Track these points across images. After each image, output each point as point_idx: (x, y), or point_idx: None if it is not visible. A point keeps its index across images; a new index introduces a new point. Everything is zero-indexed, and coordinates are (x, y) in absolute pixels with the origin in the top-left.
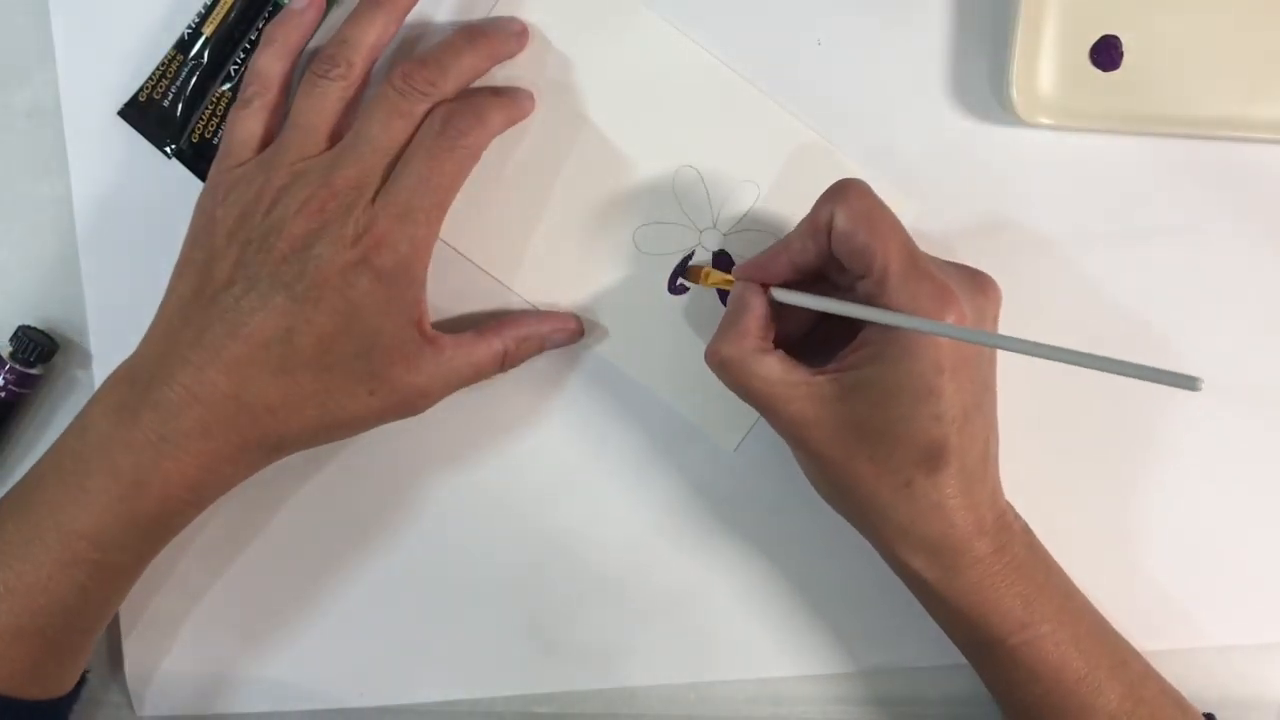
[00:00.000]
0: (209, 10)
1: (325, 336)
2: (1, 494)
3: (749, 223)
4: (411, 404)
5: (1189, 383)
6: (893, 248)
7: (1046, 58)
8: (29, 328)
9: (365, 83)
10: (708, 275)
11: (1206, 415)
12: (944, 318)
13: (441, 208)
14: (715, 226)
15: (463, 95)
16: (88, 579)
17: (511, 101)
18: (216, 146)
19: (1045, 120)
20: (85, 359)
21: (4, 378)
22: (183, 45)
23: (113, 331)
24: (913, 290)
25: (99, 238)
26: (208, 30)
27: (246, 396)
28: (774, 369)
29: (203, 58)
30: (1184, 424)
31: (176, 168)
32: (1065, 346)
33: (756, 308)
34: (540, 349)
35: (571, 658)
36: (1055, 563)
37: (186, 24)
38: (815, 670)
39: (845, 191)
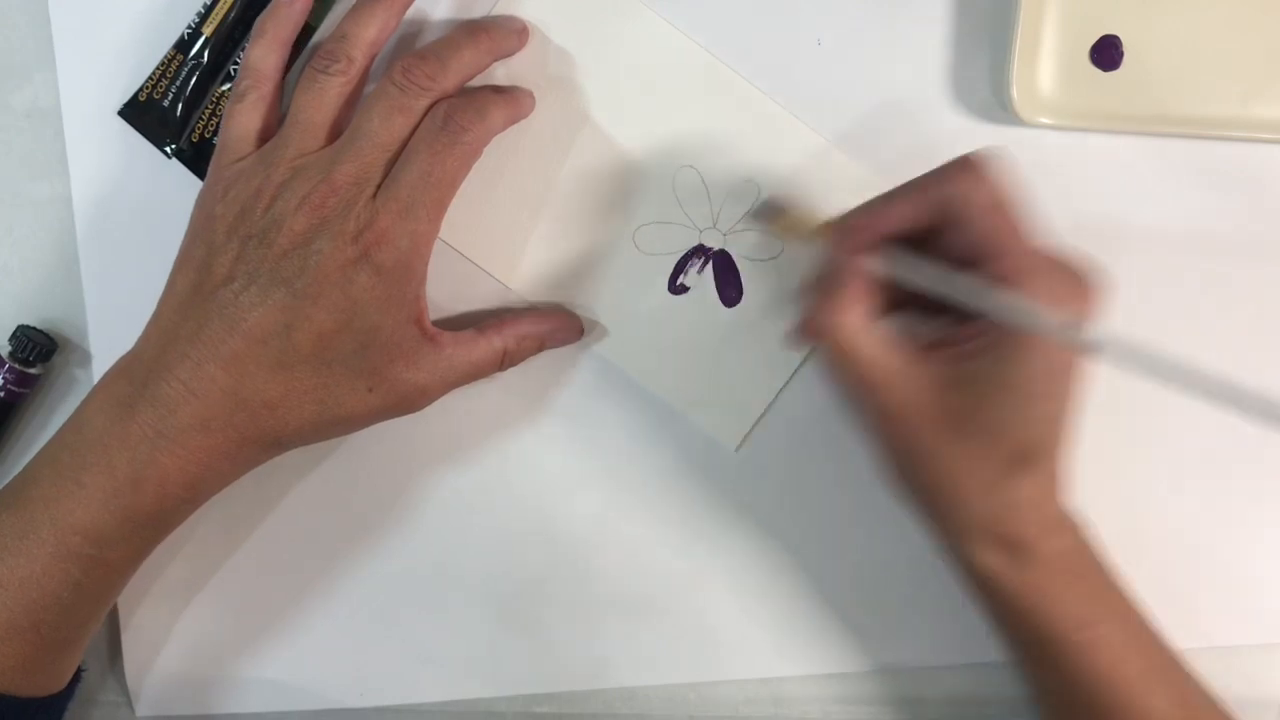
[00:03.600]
0: (209, 10)
1: (325, 333)
2: None
3: (749, 223)
4: (411, 401)
5: None
6: (1022, 238)
7: (1046, 58)
8: (28, 327)
9: (365, 78)
10: (791, 224)
11: (1207, 414)
12: (1084, 314)
13: (442, 204)
14: (715, 226)
15: (464, 92)
16: (83, 574)
17: (513, 100)
18: None
19: (1045, 120)
20: (85, 359)
21: (3, 377)
22: (182, 45)
23: (113, 331)
24: (1044, 285)
25: (99, 238)
26: (207, 30)
27: (245, 392)
28: (878, 351)
29: (203, 58)
30: (1185, 423)
31: (176, 168)
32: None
33: (860, 272)
34: (540, 348)
35: (572, 657)
36: (1112, 563)
37: (186, 24)
38: (815, 670)
39: (980, 167)
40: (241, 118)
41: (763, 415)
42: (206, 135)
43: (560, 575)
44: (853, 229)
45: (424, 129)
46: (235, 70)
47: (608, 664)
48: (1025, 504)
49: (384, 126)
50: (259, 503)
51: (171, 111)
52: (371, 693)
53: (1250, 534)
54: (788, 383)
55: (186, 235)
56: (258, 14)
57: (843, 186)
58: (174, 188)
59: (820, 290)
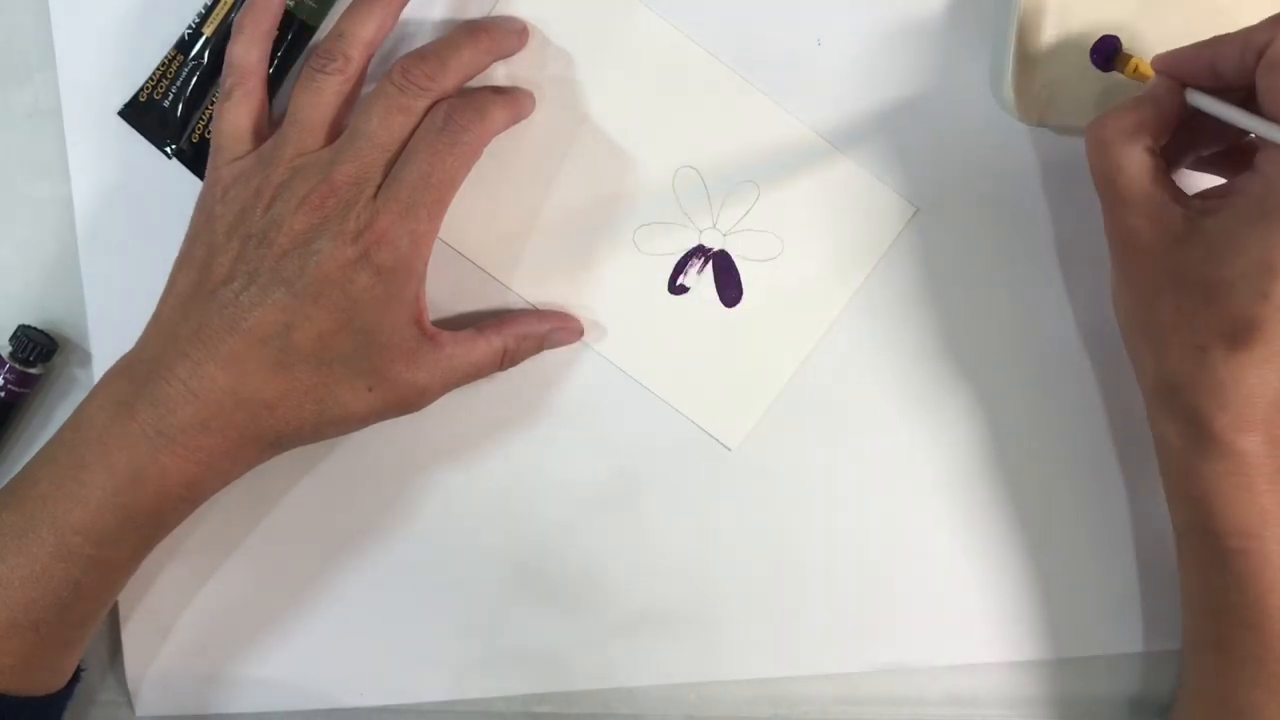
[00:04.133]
0: (209, 10)
1: (324, 332)
2: None
3: (749, 223)
4: (410, 401)
5: None
6: None
7: (1046, 58)
8: (28, 327)
9: (363, 77)
10: (1135, 66)
11: None
12: None
13: (443, 204)
14: (715, 226)
15: (464, 92)
16: (82, 574)
17: (513, 101)
18: None
19: (1045, 120)
20: (85, 359)
21: (3, 377)
22: (183, 45)
23: (113, 331)
24: None
25: (99, 238)
26: (208, 30)
27: (244, 392)
28: (1144, 174)
29: (203, 58)
30: None
31: (176, 168)
32: None
33: (1165, 105)
34: (540, 348)
35: (571, 658)
36: None
37: (186, 24)
38: (815, 670)
39: None
40: (231, 115)
41: (763, 415)
42: (207, 136)
43: (559, 575)
44: (1169, 59)
45: (424, 129)
46: None
47: (607, 664)
48: (1225, 385)
49: (383, 126)
50: (259, 502)
51: (172, 112)
52: (371, 693)
53: None
54: (788, 383)
55: (187, 236)
56: None
57: (842, 186)
58: (174, 188)
59: (1122, 104)
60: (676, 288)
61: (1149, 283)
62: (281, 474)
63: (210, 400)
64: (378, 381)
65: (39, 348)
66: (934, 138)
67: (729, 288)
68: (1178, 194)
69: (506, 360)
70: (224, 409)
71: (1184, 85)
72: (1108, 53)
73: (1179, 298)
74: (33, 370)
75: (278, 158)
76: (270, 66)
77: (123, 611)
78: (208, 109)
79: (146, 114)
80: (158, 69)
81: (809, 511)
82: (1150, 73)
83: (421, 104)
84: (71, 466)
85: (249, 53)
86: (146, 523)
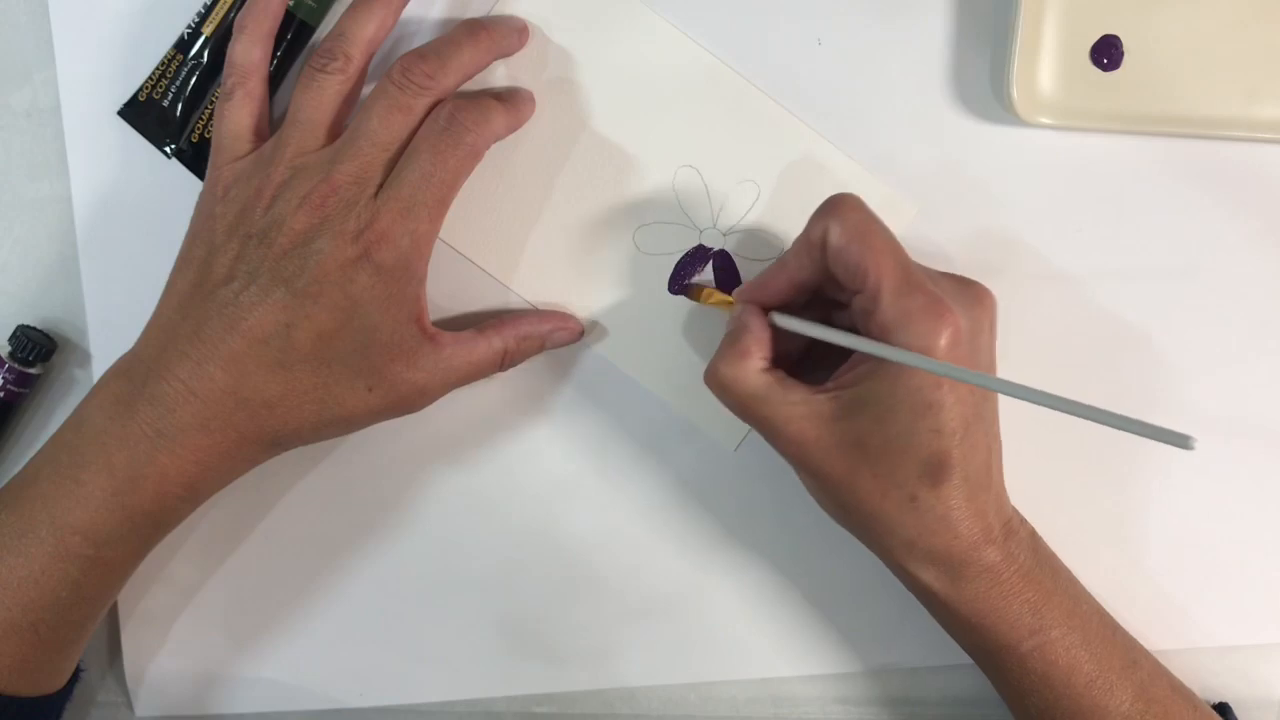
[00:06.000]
0: (209, 10)
1: (325, 332)
2: None
3: (749, 223)
4: (410, 401)
5: (1182, 441)
6: (886, 262)
7: (1046, 57)
8: (28, 327)
9: (364, 76)
10: (709, 295)
11: (1206, 415)
12: (939, 332)
13: (444, 204)
14: (715, 226)
15: (467, 94)
16: (81, 574)
17: (514, 109)
18: None
19: (1045, 120)
20: (84, 359)
21: (3, 377)
22: (182, 45)
23: (112, 331)
24: (906, 305)
25: (99, 238)
26: (207, 30)
27: (244, 391)
28: (773, 390)
29: (202, 57)
30: (1184, 424)
31: (176, 168)
32: (1060, 395)
33: (755, 329)
34: (540, 348)
35: (571, 658)
36: (1063, 566)
37: (186, 24)
38: (815, 670)
39: (838, 207)
40: (232, 115)
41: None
42: (206, 135)
43: (559, 575)
44: (747, 289)
45: (427, 129)
46: None
47: (607, 664)
48: (949, 518)
49: (383, 126)
50: (259, 503)
51: (171, 111)
52: (371, 693)
53: (1249, 534)
54: None
55: (187, 235)
56: None
57: (842, 186)
58: (174, 188)
59: (721, 346)
60: (676, 288)
61: (839, 470)
62: (281, 474)
63: (210, 400)
64: (378, 381)
65: (38, 347)
66: (934, 137)
67: (729, 288)
68: (812, 386)
69: (507, 361)
70: (224, 409)
71: (767, 307)
72: (1108, 52)
73: (872, 466)
74: (32, 370)
75: (278, 157)
76: (270, 66)
77: (123, 611)
78: (207, 108)
79: (146, 113)
80: (157, 68)
81: (807, 512)
82: (728, 300)
83: (422, 103)
84: (71, 466)
85: (251, 52)
86: (146, 522)
